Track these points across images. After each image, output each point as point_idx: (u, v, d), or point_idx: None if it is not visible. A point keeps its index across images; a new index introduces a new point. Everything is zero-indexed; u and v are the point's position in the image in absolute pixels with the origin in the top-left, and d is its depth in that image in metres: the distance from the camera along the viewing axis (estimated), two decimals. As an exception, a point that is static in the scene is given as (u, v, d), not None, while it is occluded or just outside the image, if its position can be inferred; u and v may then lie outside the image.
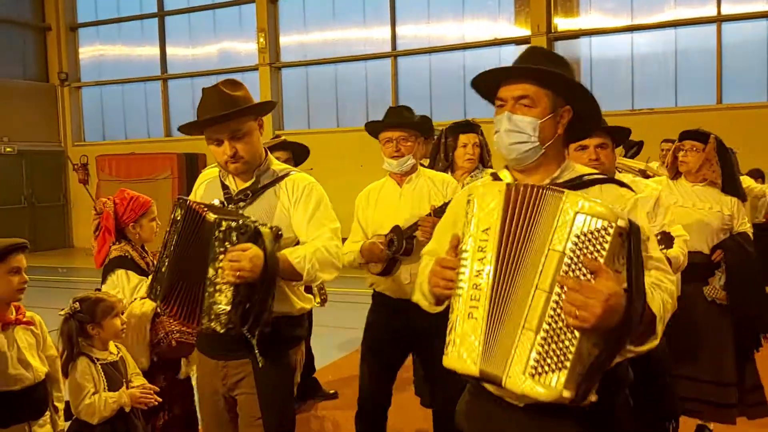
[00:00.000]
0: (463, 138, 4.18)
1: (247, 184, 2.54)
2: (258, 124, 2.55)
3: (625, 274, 1.50)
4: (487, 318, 1.55)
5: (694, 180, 3.93)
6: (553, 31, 11.51)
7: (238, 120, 2.43)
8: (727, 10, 10.60)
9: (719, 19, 10.61)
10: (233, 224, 2.21)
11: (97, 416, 2.71)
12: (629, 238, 1.50)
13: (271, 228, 2.29)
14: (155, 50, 15.06)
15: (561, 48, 11.56)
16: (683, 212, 3.79)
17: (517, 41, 11.80)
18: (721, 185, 3.89)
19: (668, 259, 2.70)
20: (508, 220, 1.58)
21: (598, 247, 1.46)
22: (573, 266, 1.47)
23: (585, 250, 1.47)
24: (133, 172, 13.83)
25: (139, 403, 2.83)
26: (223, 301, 2.20)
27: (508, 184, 1.63)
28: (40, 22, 15.75)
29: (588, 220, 1.47)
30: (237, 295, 2.20)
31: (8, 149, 14.76)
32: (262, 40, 13.47)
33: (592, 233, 1.47)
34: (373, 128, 3.50)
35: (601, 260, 1.46)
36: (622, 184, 1.88)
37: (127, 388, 2.84)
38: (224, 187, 2.57)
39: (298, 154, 4.59)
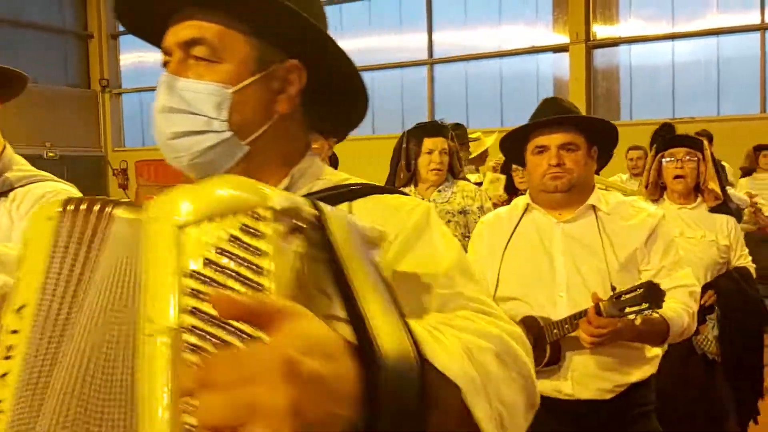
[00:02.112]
0: (428, 143, 3.47)
1: None
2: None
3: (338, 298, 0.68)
4: None
5: (684, 200, 3.15)
6: (591, 39, 11.36)
7: None
8: (771, 17, 10.36)
9: (763, 27, 10.37)
10: None
11: None
12: (323, 232, 0.70)
13: None
14: (194, 57, 15.24)
15: (600, 56, 11.42)
16: None
17: (555, 49, 11.68)
18: (719, 201, 3.17)
19: (664, 321, 2.14)
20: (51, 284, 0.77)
21: (251, 266, 0.65)
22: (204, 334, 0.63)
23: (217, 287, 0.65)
24: (171, 178, 13.68)
25: None
26: None
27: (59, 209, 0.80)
28: (83, 30, 16.06)
29: (212, 229, 0.66)
30: None
31: (50, 154, 15.06)
32: (298, 47, 13.53)
33: (230, 249, 0.65)
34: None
35: (271, 288, 0.64)
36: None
37: None
38: None
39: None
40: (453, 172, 3.63)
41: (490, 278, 2.32)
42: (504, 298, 2.28)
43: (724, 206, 3.17)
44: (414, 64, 12.75)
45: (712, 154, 3.20)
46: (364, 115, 1.11)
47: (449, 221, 3.57)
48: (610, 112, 11.05)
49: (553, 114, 2.26)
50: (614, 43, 11.41)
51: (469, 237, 3.47)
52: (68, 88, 15.66)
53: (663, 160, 3.19)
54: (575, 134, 2.25)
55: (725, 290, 3.08)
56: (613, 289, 2.07)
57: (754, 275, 3.20)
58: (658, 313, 2.10)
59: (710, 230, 3.10)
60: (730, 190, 4.02)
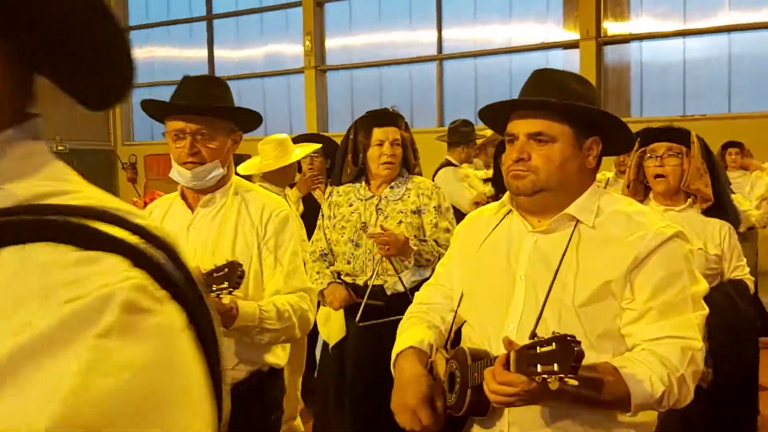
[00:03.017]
0: (377, 133, 3.15)
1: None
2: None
3: None
4: None
5: (670, 201, 2.78)
6: (602, 35, 11.30)
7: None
8: (784, 14, 10.28)
9: (776, 24, 10.30)
10: None
11: None
12: None
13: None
14: (203, 52, 15.27)
15: (610, 53, 11.36)
16: None
17: (566, 45, 11.63)
18: (709, 203, 2.75)
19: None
20: None
21: None
22: None
23: None
24: (180, 172, 13.99)
25: None
26: None
27: None
28: (93, 24, 16.12)
29: None
30: None
31: (60, 147, 15.12)
32: (308, 43, 13.54)
33: None
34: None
35: None
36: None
37: None
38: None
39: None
40: (408, 167, 3.29)
41: (456, 287, 1.96)
42: (461, 317, 1.93)
43: (720, 210, 2.71)
44: (423, 60, 12.72)
45: (707, 149, 2.75)
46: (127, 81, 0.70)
47: (401, 222, 3.28)
48: (620, 109, 11.00)
49: (534, 93, 1.80)
50: (625, 39, 11.34)
51: (424, 240, 3.29)
52: (78, 82, 15.71)
53: (645, 156, 2.80)
54: (553, 122, 1.74)
55: (714, 306, 2.36)
56: (533, 336, 1.50)
57: (753, 290, 2.71)
58: (616, 372, 1.57)
59: (698, 237, 2.64)
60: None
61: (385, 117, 3.19)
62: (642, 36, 11.21)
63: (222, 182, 2.39)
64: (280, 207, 2.40)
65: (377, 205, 3.34)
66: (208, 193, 2.38)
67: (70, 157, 15.45)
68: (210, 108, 2.29)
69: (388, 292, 3.31)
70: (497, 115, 1.95)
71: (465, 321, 1.93)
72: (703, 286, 1.73)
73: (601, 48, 11.23)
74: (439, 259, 2.71)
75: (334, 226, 3.39)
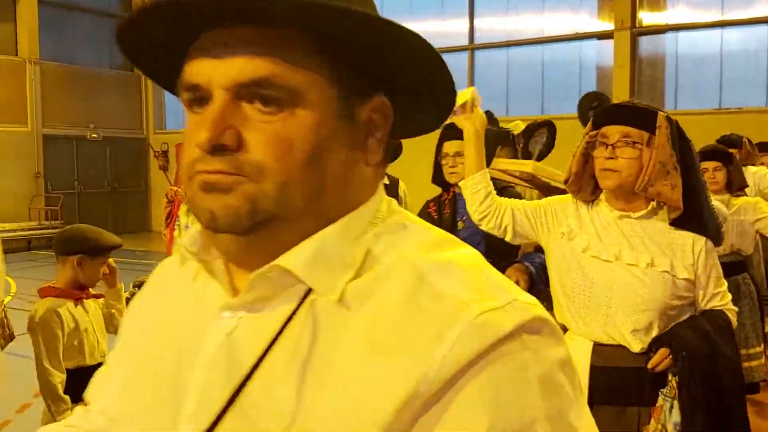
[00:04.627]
0: None
1: None
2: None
3: None
4: None
5: (626, 204, 2.02)
6: (637, 25, 11.12)
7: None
8: (827, 4, 10.02)
9: (818, 15, 10.05)
10: None
11: None
12: None
13: None
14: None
15: (645, 43, 11.18)
16: (599, 268, 1.98)
17: (600, 36, 11.47)
18: (677, 212, 1.96)
19: None
20: None
21: None
22: None
23: None
24: (211, 161, 14.14)
25: None
26: None
27: None
28: (128, 14, 16.27)
29: None
30: None
31: (93, 135, 15.35)
32: (339, 32, 13.56)
33: None
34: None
35: None
36: None
37: None
38: None
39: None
40: None
41: None
42: None
43: (695, 222, 1.98)
44: (455, 49, 12.65)
45: (681, 137, 2.01)
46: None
47: None
48: (654, 101, 10.83)
49: None
50: (661, 30, 11.15)
51: None
52: (112, 70, 15.89)
53: (596, 142, 2.05)
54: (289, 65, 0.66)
55: (685, 349, 1.88)
56: None
57: (735, 323, 2.05)
58: None
59: (664, 254, 1.96)
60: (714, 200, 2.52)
61: None
62: (678, 26, 11.01)
63: None
64: None
65: None
66: None
67: (104, 144, 15.66)
68: None
69: None
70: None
71: None
72: None
73: (636, 39, 11.05)
74: None
75: None
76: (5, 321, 3.05)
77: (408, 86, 0.74)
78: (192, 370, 0.73)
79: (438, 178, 3.06)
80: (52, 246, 2.84)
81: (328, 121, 0.68)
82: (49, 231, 12.84)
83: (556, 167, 3.00)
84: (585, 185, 2.10)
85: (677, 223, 1.99)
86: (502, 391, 0.61)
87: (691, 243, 1.99)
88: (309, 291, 0.69)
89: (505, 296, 0.64)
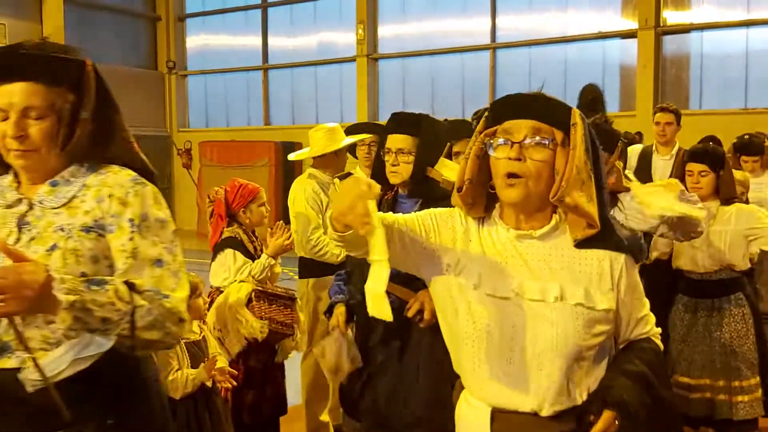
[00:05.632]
0: None
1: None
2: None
3: None
4: None
5: (527, 221, 1.63)
6: (661, 24, 11.02)
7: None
8: None
9: None
10: None
11: (180, 391, 2.87)
12: None
13: None
14: (257, 40, 15.42)
15: (669, 43, 11.07)
16: (494, 311, 1.58)
17: (623, 35, 11.38)
18: (593, 231, 1.58)
19: None
20: None
21: None
22: None
23: None
24: (233, 159, 14.24)
25: (218, 381, 2.98)
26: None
27: None
28: (152, 13, 16.41)
29: None
30: None
31: (118, 133, 15.52)
32: (360, 31, 13.56)
33: None
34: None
35: None
36: None
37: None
38: None
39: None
40: None
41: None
42: None
43: (603, 239, 1.59)
44: (476, 48, 12.60)
45: (593, 143, 1.60)
46: None
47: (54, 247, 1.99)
48: (679, 101, 10.70)
49: None
50: (685, 29, 11.04)
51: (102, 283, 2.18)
52: (137, 69, 16.04)
53: (493, 142, 1.62)
54: None
55: (629, 403, 1.52)
56: None
57: (662, 347, 1.73)
58: None
59: (576, 282, 1.57)
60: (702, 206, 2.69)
61: None
62: (703, 26, 10.89)
63: None
64: None
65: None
66: None
67: (128, 142, 15.85)
68: None
69: (28, 388, 1.59)
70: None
71: None
72: None
73: (660, 38, 10.95)
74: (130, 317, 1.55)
75: None
76: None
77: None
78: None
79: (379, 174, 2.64)
80: None
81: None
82: (74, 228, 12.97)
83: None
84: (479, 197, 1.64)
85: (582, 245, 1.58)
86: None
87: (608, 263, 1.59)
88: None
89: None
